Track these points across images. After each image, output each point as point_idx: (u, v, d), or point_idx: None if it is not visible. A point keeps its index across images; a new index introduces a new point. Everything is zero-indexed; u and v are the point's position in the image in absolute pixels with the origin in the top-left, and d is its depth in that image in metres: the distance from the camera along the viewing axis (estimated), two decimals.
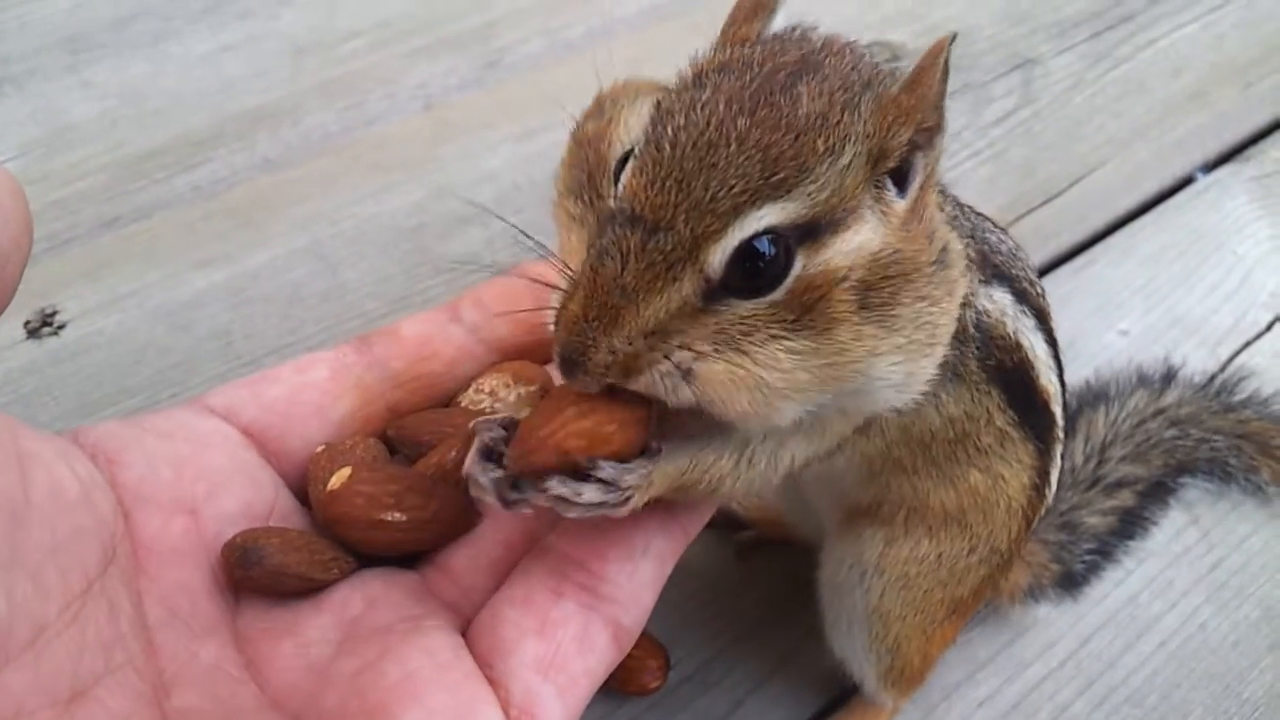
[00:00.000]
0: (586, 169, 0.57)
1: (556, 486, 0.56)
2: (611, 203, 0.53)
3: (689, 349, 0.52)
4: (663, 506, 0.62)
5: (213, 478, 0.64)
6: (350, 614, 0.62)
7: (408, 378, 0.73)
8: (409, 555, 0.66)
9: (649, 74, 1.43)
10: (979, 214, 0.77)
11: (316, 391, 0.70)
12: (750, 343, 0.52)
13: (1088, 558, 1.01)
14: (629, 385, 0.53)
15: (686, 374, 0.52)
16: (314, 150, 1.34)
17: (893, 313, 0.54)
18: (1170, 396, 1.08)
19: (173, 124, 1.35)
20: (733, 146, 0.50)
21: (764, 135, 0.50)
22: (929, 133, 0.54)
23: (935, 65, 0.53)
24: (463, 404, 0.72)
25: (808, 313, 0.52)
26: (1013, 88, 1.48)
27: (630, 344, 0.51)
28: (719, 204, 0.50)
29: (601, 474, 0.56)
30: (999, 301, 0.69)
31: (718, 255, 0.50)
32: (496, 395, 0.72)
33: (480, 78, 1.44)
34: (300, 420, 0.69)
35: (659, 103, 0.54)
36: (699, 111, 0.52)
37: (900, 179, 0.55)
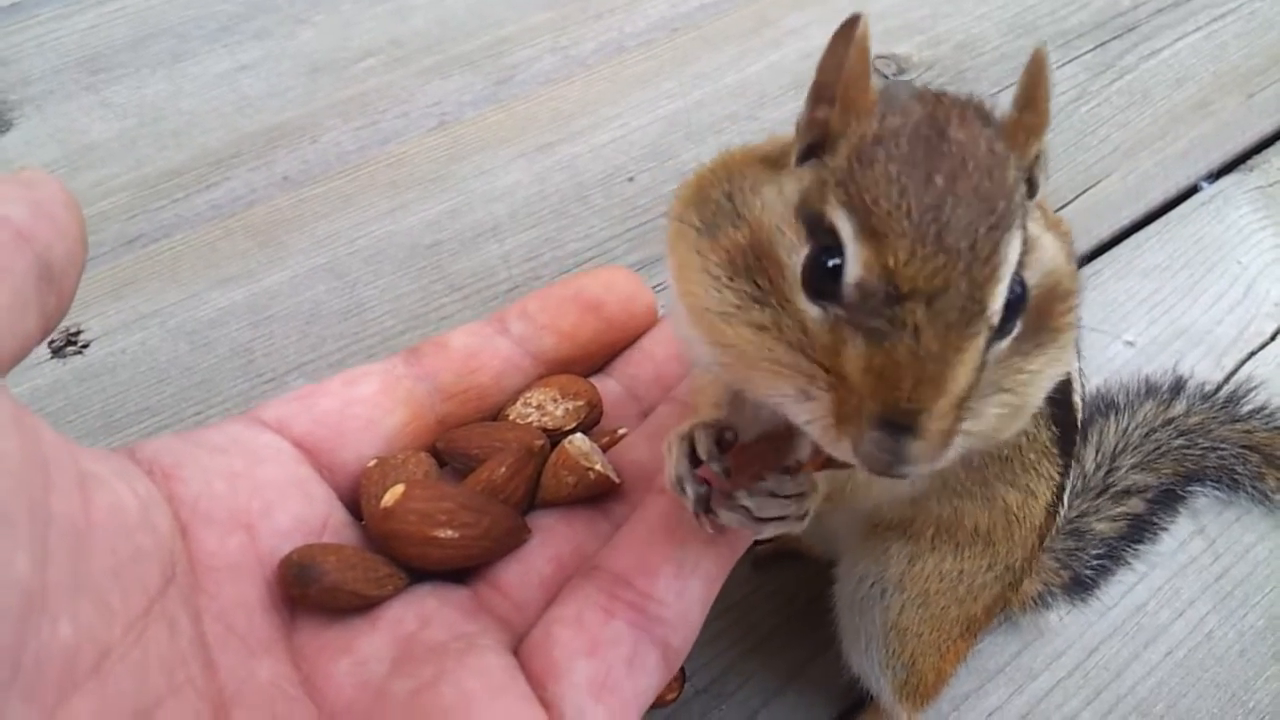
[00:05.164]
0: (765, 276, 0.53)
1: (744, 498, 0.59)
2: (851, 294, 0.50)
3: (973, 401, 0.50)
4: None
5: (267, 493, 0.64)
6: (404, 631, 0.62)
7: (456, 390, 0.73)
8: (460, 570, 0.67)
9: (661, 89, 1.45)
10: None
11: (367, 404, 0.70)
12: (1012, 379, 0.52)
13: (1095, 563, 1.02)
14: None
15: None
16: (331, 169, 1.34)
17: (1069, 320, 0.55)
18: (1178, 406, 1.09)
19: (191, 143, 1.36)
20: (960, 199, 0.49)
21: (968, 183, 0.50)
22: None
23: (1044, 78, 0.53)
24: (511, 417, 0.73)
25: (1037, 334, 0.53)
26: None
27: (948, 420, 0.48)
28: (979, 252, 0.49)
29: (768, 485, 0.59)
30: None
31: (997, 301, 0.49)
32: (544, 409, 0.73)
33: (493, 95, 1.45)
34: (352, 433, 0.69)
35: (845, 191, 0.51)
36: (899, 182, 0.50)
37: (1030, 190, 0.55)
